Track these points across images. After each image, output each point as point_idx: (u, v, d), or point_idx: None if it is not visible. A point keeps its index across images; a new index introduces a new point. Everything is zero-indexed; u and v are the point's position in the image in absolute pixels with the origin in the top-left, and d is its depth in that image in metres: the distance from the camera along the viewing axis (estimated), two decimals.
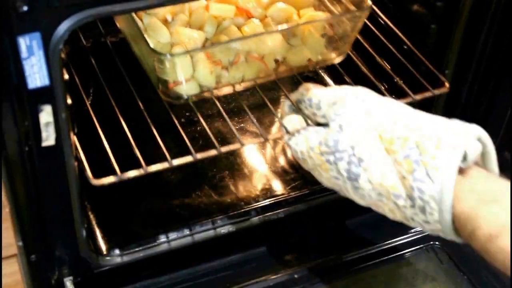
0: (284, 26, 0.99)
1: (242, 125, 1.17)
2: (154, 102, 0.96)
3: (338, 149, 0.80)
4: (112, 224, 1.02)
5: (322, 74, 1.13)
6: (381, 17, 1.12)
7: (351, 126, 0.80)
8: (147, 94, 0.98)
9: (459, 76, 1.03)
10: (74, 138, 0.86)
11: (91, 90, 1.16)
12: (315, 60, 1.01)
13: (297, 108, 0.91)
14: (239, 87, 0.98)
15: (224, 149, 0.90)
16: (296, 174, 1.12)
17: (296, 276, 1.02)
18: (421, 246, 1.08)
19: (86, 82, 1.09)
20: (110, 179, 0.85)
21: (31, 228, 0.86)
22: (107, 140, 0.90)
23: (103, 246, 0.99)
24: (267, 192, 1.09)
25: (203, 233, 1.01)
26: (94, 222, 1.02)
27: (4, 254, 0.88)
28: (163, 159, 0.87)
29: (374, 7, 1.09)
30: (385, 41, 1.09)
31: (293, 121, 0.90)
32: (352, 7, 1.01)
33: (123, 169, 0.86)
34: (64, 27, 0.70)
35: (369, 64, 1.07)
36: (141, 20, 0.99)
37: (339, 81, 1.03)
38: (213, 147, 0.89)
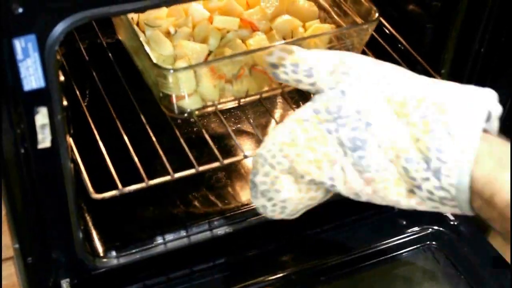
0: (289, 39, 0.97)
1: (238, 125, 1.17)
2: (150, 103, 0.96)
3: (341, 115, 0.73)
4: (109, 226, 1.02)
5: None
6: None
7: (354, 90, 0.73)
8: (143, 95, 0.98)
9: (455, 75, 1.03)
10: (70, 140, 0.86)
11: (87, 91, 1.15)
12: None
13: (271, 72, 0.79)
14: (243, 101, 0.97)
15: (227, 161, 0.91)
16: None
17: (293, 277, 1.02)
18: (418, 246, 1.08)
19: (82, 83, 1.09)
20: (111, 193, 0.86)
21: (28, 231, 0.86)
22: (103, 143, 0.90)
23: (99, 248, 0.98)
24: None
25: (199, 234, 1.01)
26: (90, 224, 1.02)
27: None
28: (160, 161, 0.88)
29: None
30: (381, 40, 1.09)
31: None
32: (359, 19, 0.99)
33: (120, 171, 0.86)
34: (59, 28, 0.69)
35: None
36: (143, 32, 0.99)
37: None
38: (214, 156, 0.89)
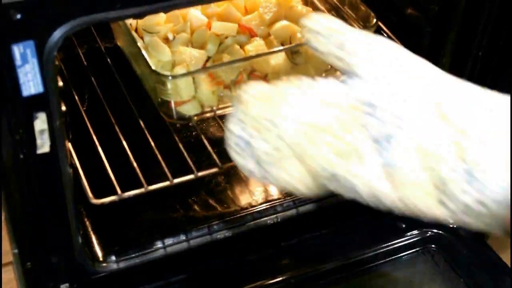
0: (288, 45, 0.98)
1: None
2: (149, 108, 0.96)
3: (383, 109, 0.66)
4: (108, 230, 1.02)
5: None
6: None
7: (405, 89, 0.67)
8: (142, 100, 0.98)
9: None
10: (69, 146, 0.87)
11: (86, 96, 1.15)
12: None
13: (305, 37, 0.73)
14: None
15: (226, 166, 0.92)
16: None
17: (292, 281, 1.02)
18: (417, 249, 1.08)
19: (80, 88, 1.09)
20: (110, 198, 0.86)
21: (27, 236, 0.86)
22: (102, 148, 0.90)
23: (99, 253, 0.98)
24: (263, 196, 1.09)
25: (199, 238, 1.01)
26: (90, 229, 1.02)
27: None
28: (159, 166, 0.88)
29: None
30: None
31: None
32: (357, 25, 0.99)
33: (119, 176, 0.86)
34: (58, 34, 0.70)
35: None
36: (142, 38, 0.99)
37: None
38: (213, 160, 0.90)
